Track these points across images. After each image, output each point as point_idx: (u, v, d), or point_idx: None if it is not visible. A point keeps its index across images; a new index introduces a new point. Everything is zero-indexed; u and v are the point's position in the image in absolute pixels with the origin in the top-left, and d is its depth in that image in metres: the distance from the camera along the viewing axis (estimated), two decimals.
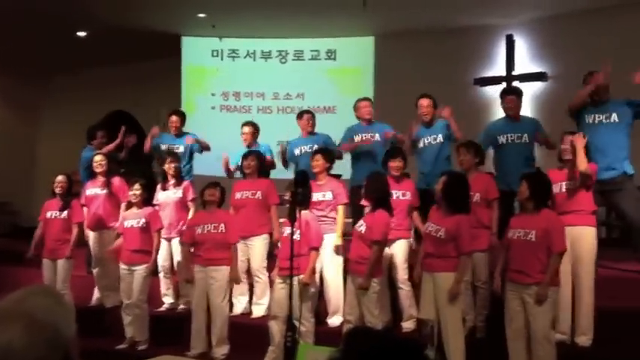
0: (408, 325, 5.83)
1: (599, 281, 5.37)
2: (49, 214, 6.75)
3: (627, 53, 9.16)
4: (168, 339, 6.21)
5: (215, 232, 5.84)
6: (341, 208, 6.07)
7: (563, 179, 5.24)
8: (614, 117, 5.87)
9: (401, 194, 5.83)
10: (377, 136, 6.74)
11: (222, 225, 5.85)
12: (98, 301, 7.10)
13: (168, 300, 6.92)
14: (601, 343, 5.16)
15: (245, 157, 6.54)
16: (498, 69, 10.63)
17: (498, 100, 10.38)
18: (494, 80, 10.57)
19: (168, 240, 6.78)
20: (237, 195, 6.38)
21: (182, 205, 6.84)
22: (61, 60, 11.95)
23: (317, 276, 5.80)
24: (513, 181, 5.39)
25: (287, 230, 5.40)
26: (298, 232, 5.30)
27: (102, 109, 12.12)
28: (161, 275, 6.88)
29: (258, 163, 6.44)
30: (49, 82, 13.29)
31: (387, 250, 5.70)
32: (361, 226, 5.27)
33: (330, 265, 5.99)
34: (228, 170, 7.06)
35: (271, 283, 5.84)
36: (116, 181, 7.05)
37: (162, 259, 6.76)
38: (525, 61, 10.49)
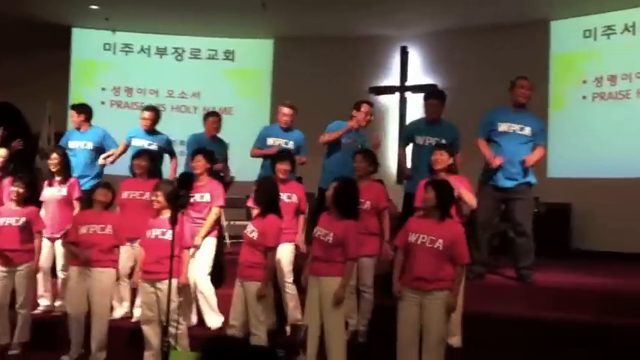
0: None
1: (472, 286, 5.59)
2: None
3: (513, 71, 9.63)
4: (43, 343, 5.93)
5: (102, 233, 5.64)
6: (214, 210, 5.99)
7: None
8: (527, 130, 6.16)
9: (286, 197, 5.82)
10: (291, 144, 6.76)
11: (109, 227, 5.66)
12: None
13: (44, 302, 6.59)
14: (471, 344, 5.36)
15: (137, 155, 6.36)
16: (393, 79, 10.91)
17: (391, 109, 10.82)
18: (388, 90, 10.85)
19: (52, 240, 6.46)
20: (124, 194, 6.17)
21: (67, 203, 6.52)
22: None
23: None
24: None
25: (154, 232, 5.32)
26: (170, 232, 5.15)
27: None
28: (39, 276, 6.54)
29: (152, 165, 6.27)
30: None
31: None
32: (253, 232, 5.21)
33: (201, 267, 5.91)
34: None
35: (135, 287, 5.65)
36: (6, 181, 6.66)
37: (42, 260, 6.42)
38: (418, 73, 10.82)
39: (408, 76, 10.81)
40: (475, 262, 5.78)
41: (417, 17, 10.11)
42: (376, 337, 5.43)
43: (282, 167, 5.88)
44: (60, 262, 6.45)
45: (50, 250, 6.46)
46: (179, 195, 4.89)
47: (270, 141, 6.83)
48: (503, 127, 6.23)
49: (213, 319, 5.94)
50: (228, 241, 8.61)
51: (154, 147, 7.08)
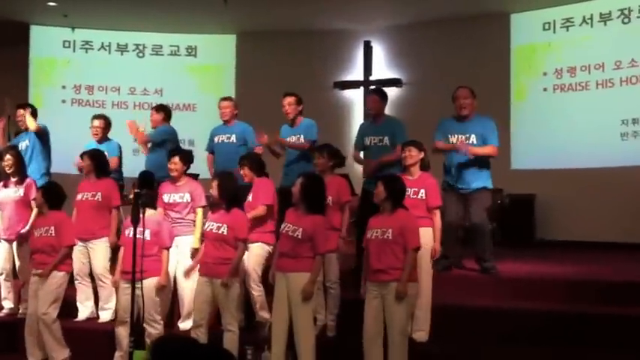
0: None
1: (438, 278, 5.62)
2: None
3: (476, 63, 9.75)
4: (6, 346, 5.86)
5: (46, 235, 5.55)
6: (200, 211, 5.95)
7: (409, 186, 5.37)
8: (473, 138, 6.19)
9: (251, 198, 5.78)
10: (233, 138, 6.73)
11: (52, 228, 5.56)
12: None
13: (7, 305, 6.48)
14: (437, 338, 5.39)
15: (80, 156, 6.32)
16: (357, 73, 10.91)
17: (356, 104, 10.83)
18: (353, 84, 10.86)
19: (9, 242, 6.33)
20: (79, 196, 6.16)
21: (24, 204, 6.40)
22: None
23: (171, 278, 5.68)
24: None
25: (130, 232, 5.24)
26: (148, 232, 5.21)
27: None
28: (1, 279, 6.43)
29: (94, 163, 6.19)
30: None
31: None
32: (221, 228, 5.16)
33: (184, 268, 5.84)
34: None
35: (116, 287, 5.58)
36: None
37: (2, 262, 6.33)
38: (382, 67, 10.84)
39: (372, 70, 10.83)
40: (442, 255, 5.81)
41: (379, 11, 10.14)
42: (345, 331, 5.44)
43: (244, 172, 5.84)
44: (18, 264, 6.36)
45: (9, 252, 6.35)
46: (140, 194, 4.84)
47: (215, 139, 6.85)
48: (452, 139, 6.25)
49: (185, 323, 5.89)
50: None
51: None
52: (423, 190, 5.46)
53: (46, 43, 11.11)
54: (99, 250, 6.05)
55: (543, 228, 9.43)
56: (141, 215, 4.75)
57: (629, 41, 9.18)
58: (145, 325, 5.23)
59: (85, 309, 6.16)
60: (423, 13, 10.01)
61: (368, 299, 4.87)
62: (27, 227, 6.27)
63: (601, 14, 9.40)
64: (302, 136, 6.63)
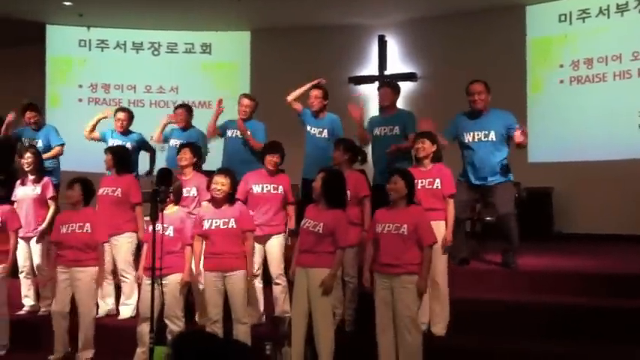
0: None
1: (456, 272, 5.62)
2: None
3: (491, 56, 9.70)
4: (29, 343, 5.89)
5: (80, 231, 5.57)
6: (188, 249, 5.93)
7: (419, 177, 5.37)
8: (492, 135, 6.13)
9: (272, 188, 5.81)
10: (248, 133, 6.83)
11: (88, 224, 5.59)
12: None
13: (28, 302, 6.55)
14: (455, 332, 5.39)
15: (105, 151, 6.43)
16: (371, 68, 10.89)
17: (372, 99, 10.79)
18: (368, 79, 10.83)
19: (26, 239, 6.39)
20: (100, 191, 6.19)
21: (41, 202, 6.47)
22: None
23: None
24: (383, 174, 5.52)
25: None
26: (172, 228, 5.23)
27: None
28: (22, 276, 6.49)
29: (115, 159, 6.24)
30: None
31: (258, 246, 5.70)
32: (229, 222, 5.19)
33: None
34: None
35: (139, 284, 5.61)
36: None
37: (22, 260, 6.39)
38: (397, 62, 10.81)
39: (386, 65, 10.80)
40: (456, 247, 5.80)
41: (393, 5, 10.11)
42: (363, 325, 5.44)
43: (271, 159, 5.86)
44: (36, 261, 6.41)
45: (27, 250, 6.41)
46: (158, 191, 4.87)
47: (229, 132, 6.99)
48: (468, 137, 6.20)
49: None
50: None
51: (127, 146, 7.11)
52: (438, 180, 5.45)
53: (62, 42, 11.19)
54: (121, 246, 6.08)
55: (561, 221, 9.37)
56: (159, 212, 4.77)
57: None
58: (166, 320, 5.26)
59: (105, 305, 6.21)
60: (437, 7, 9.97)
61: (377, 290, 4.87)
62: (44, 225, 6.36)
63: (618, 5, 9.31)
64: (326, 129, 6.69)
